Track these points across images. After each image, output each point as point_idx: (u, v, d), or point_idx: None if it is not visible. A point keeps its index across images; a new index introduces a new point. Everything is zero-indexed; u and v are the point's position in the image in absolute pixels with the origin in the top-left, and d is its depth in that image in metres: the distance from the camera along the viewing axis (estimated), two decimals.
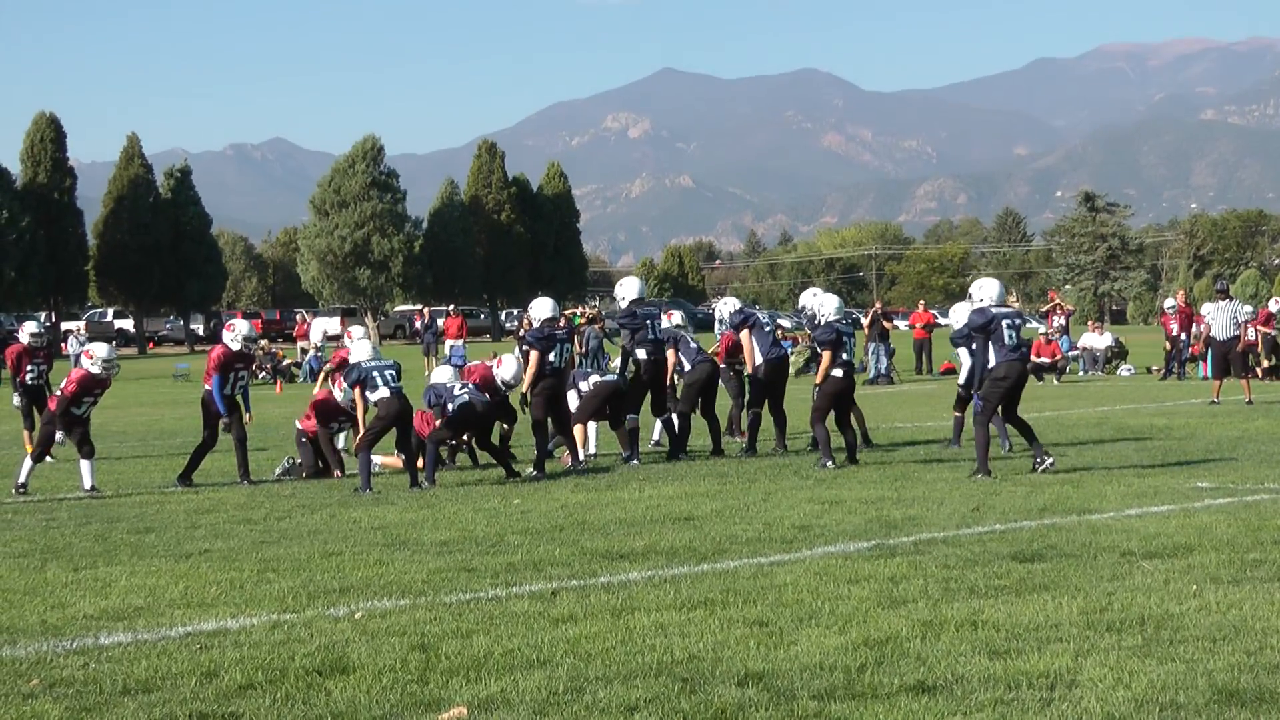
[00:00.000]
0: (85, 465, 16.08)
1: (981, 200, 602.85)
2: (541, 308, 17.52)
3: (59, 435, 16.33)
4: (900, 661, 6.86)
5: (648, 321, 18.00)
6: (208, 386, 16.66)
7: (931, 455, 17.67)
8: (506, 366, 16.80)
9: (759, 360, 18.28)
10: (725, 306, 19.67)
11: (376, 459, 16.33)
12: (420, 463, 16.14)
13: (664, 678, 6.64)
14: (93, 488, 15.91)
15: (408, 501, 14.31)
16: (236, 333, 16.85)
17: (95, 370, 16.44)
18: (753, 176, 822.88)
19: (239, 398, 16.81)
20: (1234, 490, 13.29)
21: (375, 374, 15.80)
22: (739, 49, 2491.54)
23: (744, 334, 18.49)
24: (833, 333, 16.87)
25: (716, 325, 44.35)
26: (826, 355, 16.75)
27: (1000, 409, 15.19)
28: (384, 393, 15.59)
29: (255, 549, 11.20)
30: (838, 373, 16.88)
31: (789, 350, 21.24)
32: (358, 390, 15.71)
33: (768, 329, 18.68)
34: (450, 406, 16.02)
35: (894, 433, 21.15)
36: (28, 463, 16.40)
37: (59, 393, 16.65)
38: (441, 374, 16.81)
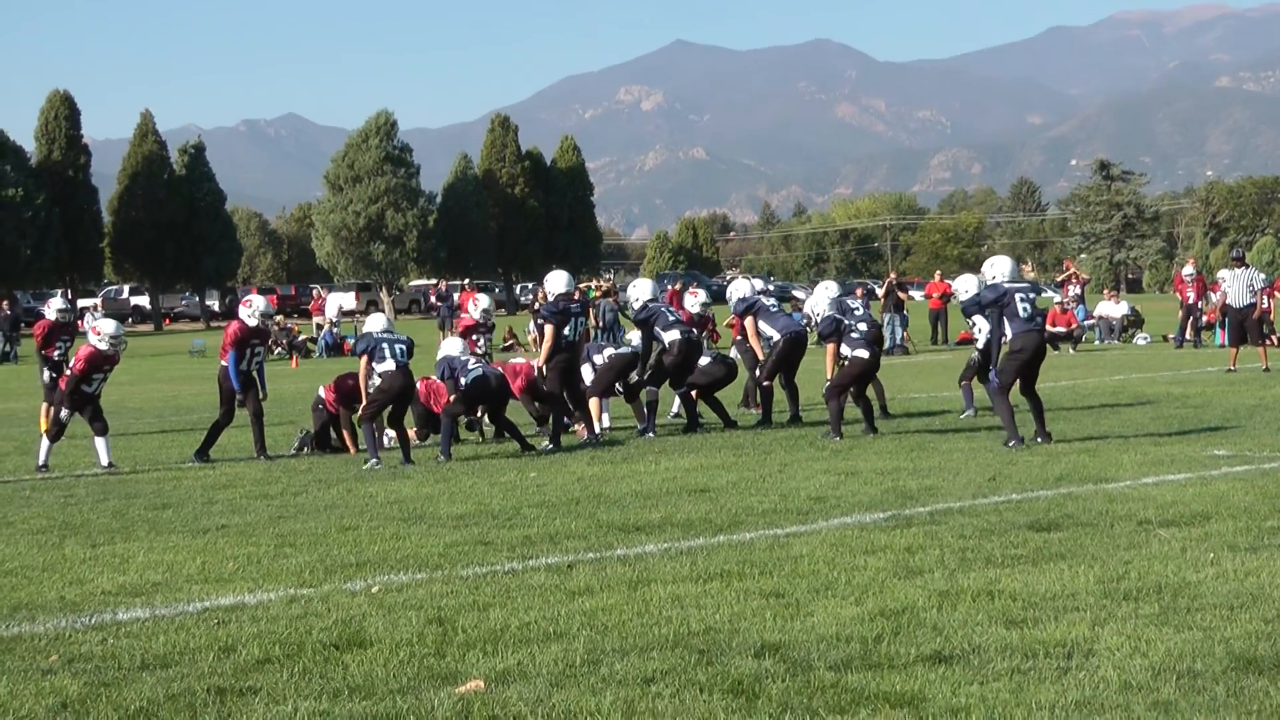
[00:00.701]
0: (100, 442, 16.11)
1: (996, 170, 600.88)
2: (556, 281, 17.55)
3: (64, 413, 16.36)
4: (917, 632, 6.84)
5: (662, 310, 18.09)
6: (224, 363, 16.67)
7: (948, 425, 17.65)
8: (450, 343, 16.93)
9: (775, 337, 18.27)
10: (735, 291, 19.62)
11: (391, 432, 16.35)
12: (413, 438, 16.22)
13: (680, 649, 6.64)
14: (109, 464, 15.96)
15: (424, 476, 14.33)
16: (254, 308, 16.85)
17: (103, 346, 16.44)
18: (766, 148, 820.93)
19: (254, 374, 16.82)
20: (1251, 458, 13.25)
21: (385, 346, 15.70)
22: (751, 20, 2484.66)
23: (748, 321, 18.54)
24: (831, 323, 17.01)
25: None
26: (830, 348, 16.83)
27: (1020, 381, 15.14)
28: (390, 366, 15.58)
29: (272, 524, 11.22)
30: (864, 354, 16.90)
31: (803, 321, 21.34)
32: (364, 359, 15.69)
33: (775, 309, 18.77)
34: (463, 380, 16.04)
35: (910, 403, 21.12)
36: (45, 443, 16.44)
37: (68, 371, 16.67)
38: (452, 346, 16.80)
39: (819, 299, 17.93)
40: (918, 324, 45.55)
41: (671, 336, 17.81)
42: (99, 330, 16.60)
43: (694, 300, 21.57)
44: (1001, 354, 15.24)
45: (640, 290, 18.42)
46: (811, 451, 15.16)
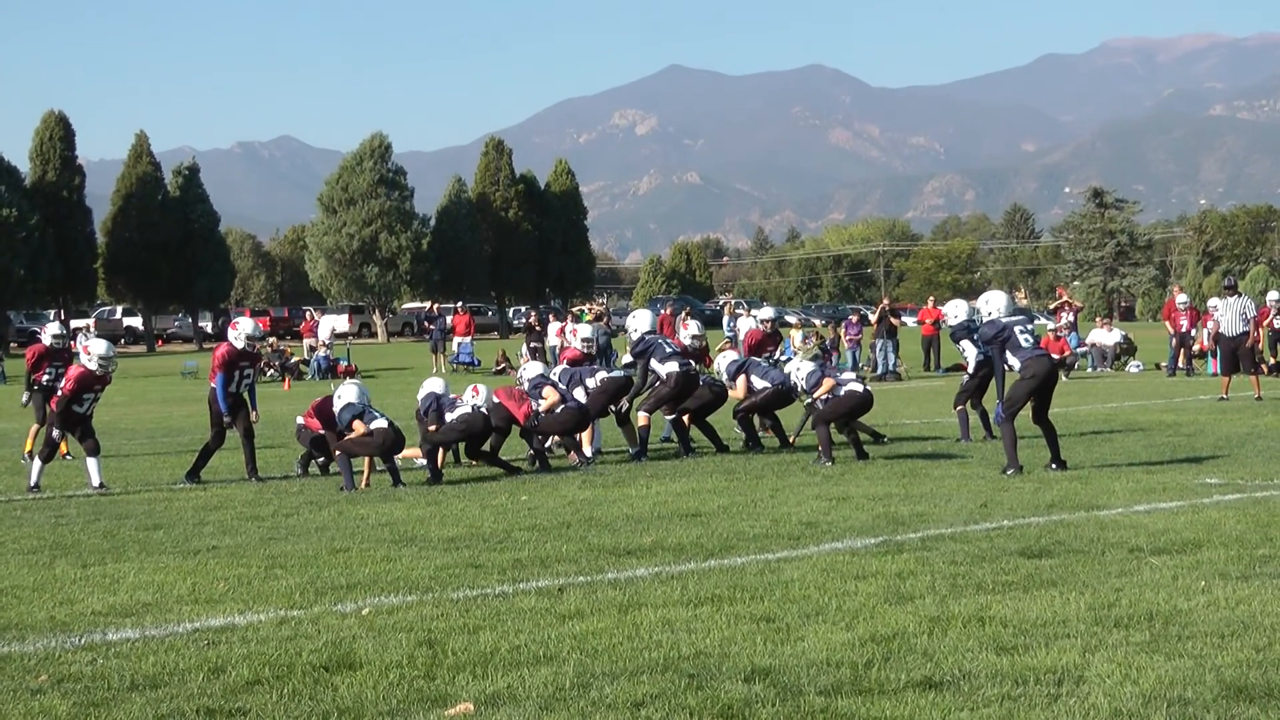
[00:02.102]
0: (91, 463, 16.09)
1: (989, 196, 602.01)
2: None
3: (55, 433, 16.35)
4: (907, 657, 6.84)
5: (660, 341, 18.16)
6: (213, 385, 16.67)
7: (940, 451, 17.66)
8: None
9: (767, 387, 18.31)
10: (722, 359, 19.61)
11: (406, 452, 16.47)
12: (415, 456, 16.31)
13: (671, 674, 6.64)
14: (100, 485, 15.93)
15: (415, 499, 14.32)
16: (241, 331, 16.85)
17: (93, 367, 16.43)
18: (760, 173, 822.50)
19: (245, 395, 16.82)
20: (1243, 486, 13.26)
21: (370, 410, 15.95)
22: (746, 45, 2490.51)
23: (740, 380, 18.51)
24: (819, 373, 17.43)
25: (725, 322, 44.23)
26: (828, 383, 17.06)
27: (1032, 409, 15.14)
28: (382, 424, 15.71)
29: (263, 545, 11.21)
30: (858, 388, 17.09)
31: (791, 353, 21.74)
32: (357, 422, 15.69)
33: (766, 367, 18.81)
34: (450, 416, 16.19)
35: (902, 429, 21.12)
36: (37, 463, 16.42)
37: (59, 392, 16.66)
38: (434, 384, 16.93)
39: (804, 370, 17.87)
40: (910, 350, 45.60)
41: (669, 369, 17.84)
42: (89, 350, 16.58)
43: (686, 333, 21.46)
44: (1010, 381, 15.23)
45: (638, 322, 18.46)
46: (803, 476, 15.16)
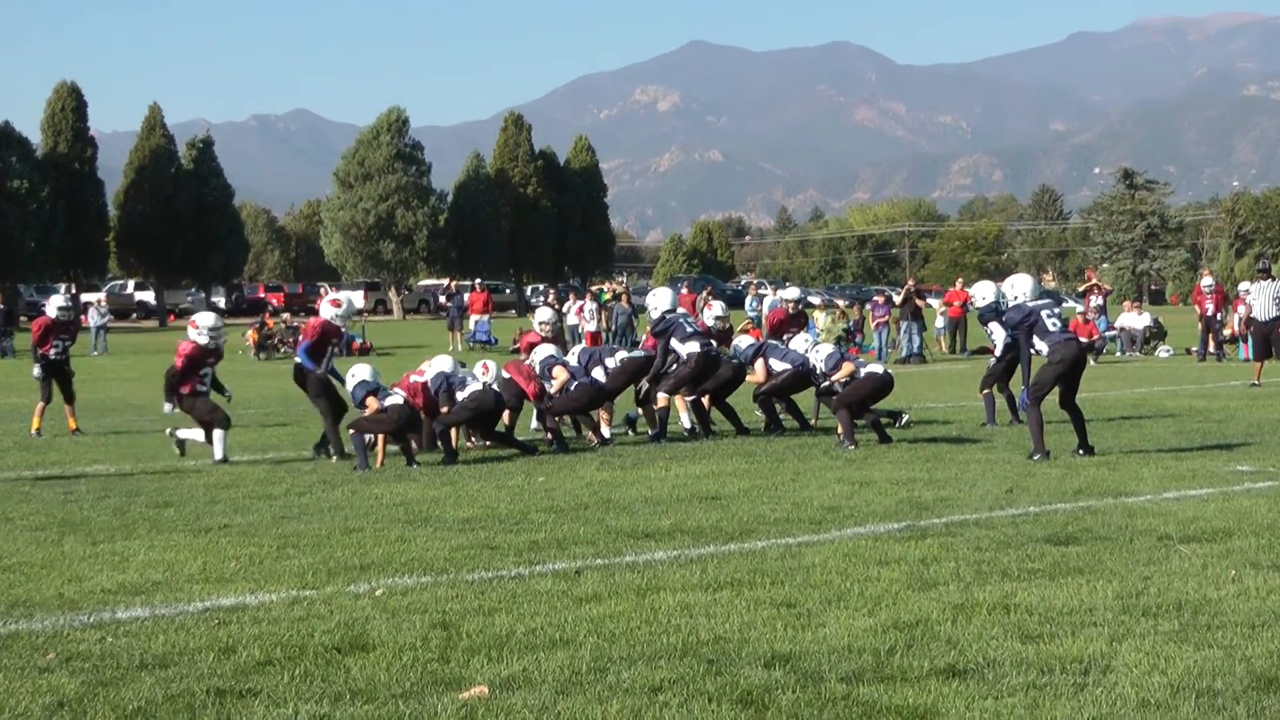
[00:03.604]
0: (218, 435, 16.20)
1: (1017, 177, 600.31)
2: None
3: (166, 407, 16.44)
4: (931, 645, 6.82)
5: (681, 320, 18.09)
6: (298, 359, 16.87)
7: (964, 435, 17.63)
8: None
9: (783, 371, 18.25)
10: (742, 340, 19.50)
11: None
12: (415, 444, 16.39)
13: (689, 659, 6.63)
14: (223, 458, 16.08)
15: (430, 479, 14.34)
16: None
17: (203, 341, 16.56)
18: (784, 151, 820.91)
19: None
20: (1274, 474, 13.21)
21: (384, 388, 16.05)
22: (770, 21, 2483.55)
23: (758, 364, 18.44)
24: (838, 355, 17.59)
25: (748, 303, 44.28)
26: (847, 367, 17.12)
27: (1060, 394, 15.09)
28: (397, 400, 15.74)
29: (275, 524, 11.23)
30: (878, 370, 17.17)
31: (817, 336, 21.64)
32: (371, 399, 15.72)
33: (782, 348, 18.69)
34: (461, 395, 16.18)
35: (927, 413, 21.07)
36: (200, 434, 16.42)
37: (171, 368, 16.60)
38: (443, 363, 16.93)
39: (822, 351, 17.84)
40: (936, 332, 45.51)
41: (690, 349, 17.76)
42: (197, 324, 16.70)
43: (710, 314, 21.23)
44: (1037, 366, 15.17)
45: (659, 300, 18.41)
46: (825, 460, 15.14)
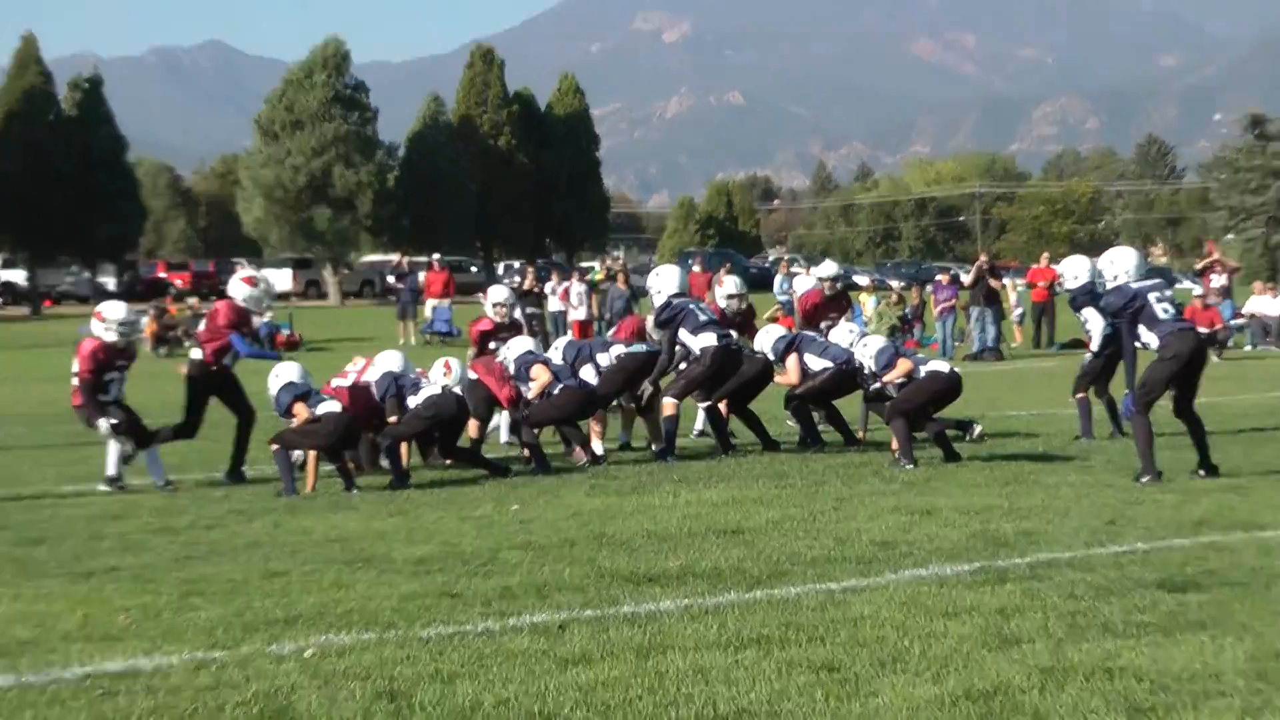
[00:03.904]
0: (112, 449, 16.30)
1: (1116, 125, 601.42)
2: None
3: (102, 424, 16.39)
4: (1013, 719, 6.77)
5: (690, 307, 18.02)
6: (198, 354, 16.98)
7: (1054, 450, 17.62)
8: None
9: (823, 371, 18.22)
10: (766, 335, 19.38)
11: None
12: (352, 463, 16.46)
13: None
14: (116, 477, 16.18)
15: (374, 507, 14.33)
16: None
17: (110, 338, 16.52)
18: (822, 93, 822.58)
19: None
20: None
21: (316, 393, 16.12)
22: None
23: (791, 361, 18.42)
24: (892, 350, 17.43)
25: (777, 283, 44.43)
26: (903, 365, 17.05)
27: (1174, 399, 15.04)
28: (333, 408, 15.74)
29: (177, 566, 11.19)
30: (943, 369, 17.10)
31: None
32: (299, 406, 15.73)
33: (821, 340, 18.67)
34: (414, 401, 16.17)
35: (1005, 423, 21.06)
36: (122, 452, 16.47)
37: (75, 380, 16.59)
38: (391, 360, 16.88)
39: (871, 346, 17.79)
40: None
41: (703, 342, 17.69)
42: (104, 317, 16.62)
43: (721, 293, 21.03)
44: (1144, 363, 15.11)
45: (664, 282, 18.33)
46: (876, 483, 15.12)
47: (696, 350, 17.77)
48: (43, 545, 12.39)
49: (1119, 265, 15.33)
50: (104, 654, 8.43)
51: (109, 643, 8.71)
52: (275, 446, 15.74)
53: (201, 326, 17.71)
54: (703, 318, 17.96)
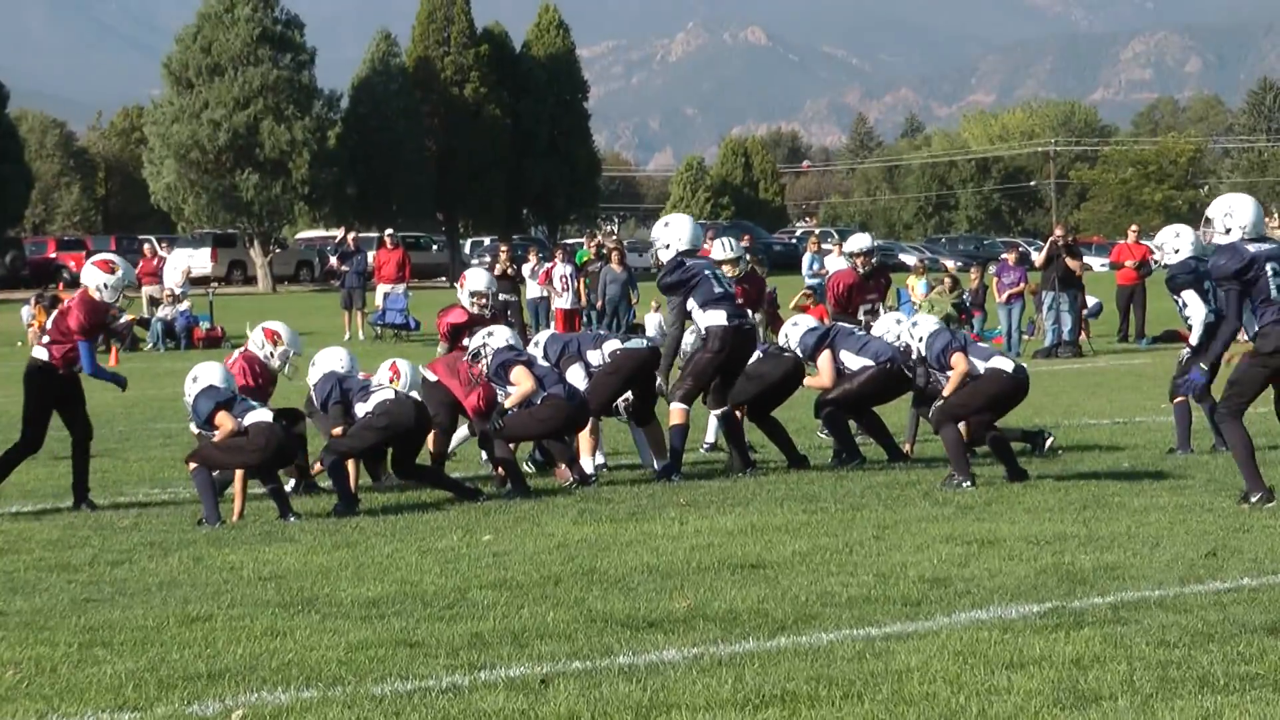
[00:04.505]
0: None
1: (1224, 68, 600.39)
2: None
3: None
4: None
5: (706, 272, 17.91)
6: (44, 355, 16.92)
7: (1141, 468, 17.62)
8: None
9: (852, 379, 18.18)
10: (793, 329, 19.27)
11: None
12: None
13: None
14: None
15: (315, 537, 14.34)
16: (110, 279, 17.07)
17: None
18: (861, 30, 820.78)
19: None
20: None
21: (243, 399, 16.12)
22: None
23: (823, 359, 18.37)
24: (947, 339, 17.08)
25: (806, 263, 44.64)
26: (959, 365, 16.78)
27: (1275, 401, 15.02)
28: (262, 418, 15.73)
29: (76, 611, 11.22)
30: (1006, 365, 16.84)
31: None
32: (222, 415, 15.77)
33: (859, 334, 18.60)
34: (362, 408, 16.12)
35: (1083, 433, 21.08)
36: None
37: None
38: (333, 357, 16.89)
39: (924, 325, 17.66)
40: (1108, 310, 45.48)
41: (711, 320, 17.57)
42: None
43: (724, 250, 20.81)
44: (1234, 356, 15.10)
45: (674, 233, 18.14)
46: (926, 507, 15.15)
47: (703, 328, 17.66)
48: None
49: (1236, 216, 14.65)
50: None
51: None
52: (193, 465, 15.77)
53: (49, 323, 17.72)
54: (718, 289, 17.71)
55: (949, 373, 16.84)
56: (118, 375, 18.00)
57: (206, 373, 16.21)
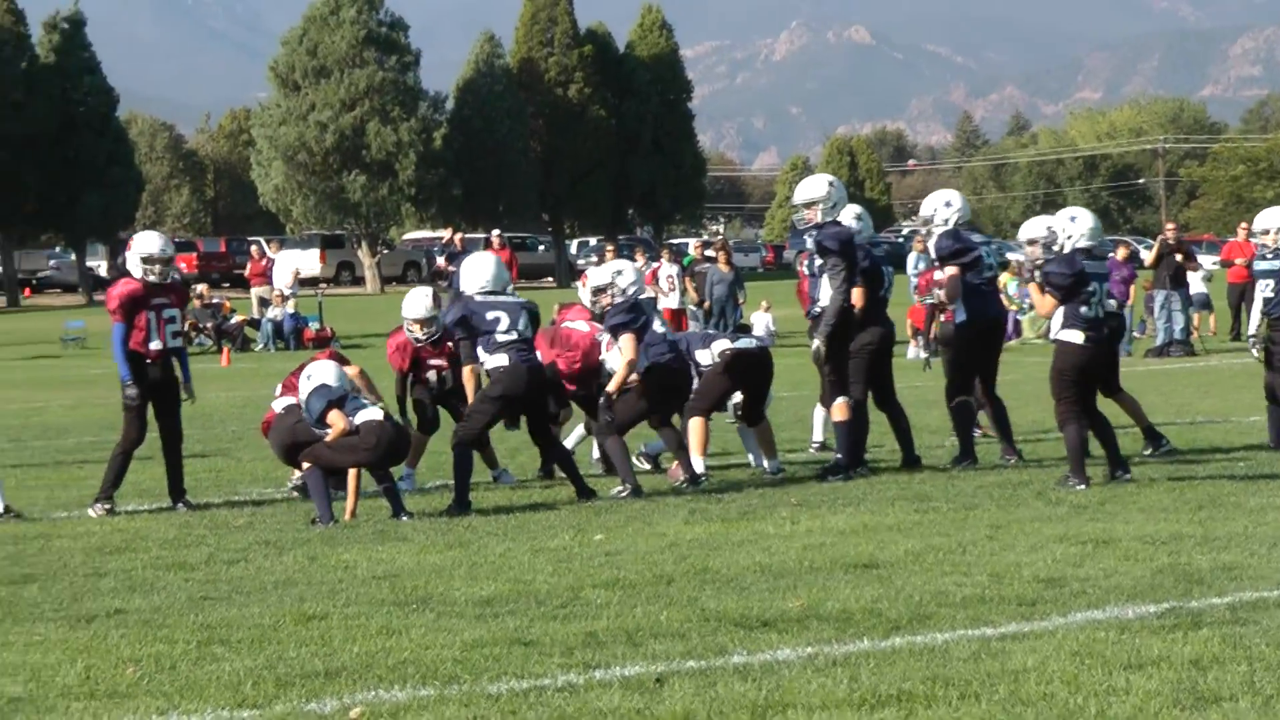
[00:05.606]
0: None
1: None
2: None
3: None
4: None
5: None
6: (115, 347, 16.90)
7: (1259, 470, 17.50)
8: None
9: (960, 315, 17.85)
10: (937, 215, 18.64)
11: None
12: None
13: None
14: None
15: (430, 536, 14.40)
16: (137, 250, 16.97)
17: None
18: (963, 28, 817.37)
19: (175, 363, 16.96)
20: None
21: (354, 397, 16.21)
22: None
23: (950, 270, 18.01)
24: (1070, 271, 16.42)
25: (910, 262, 44.62)
26: (1048, 302, 16.42)
27: None
28: (374, 416, 15.75)
29: (193, 609, 11.30)
30: (1077, 337, 16.35)
31: (1014, 308, 20.95)
32: (334, 414, 15.73)
33: (986, 273, 18.24)
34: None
35: (1197, 432, 20.94)
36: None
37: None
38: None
39: (1081, 227, 16.84)
40: (1216, 306, 45.18)
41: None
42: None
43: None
44: None
45: (811, 189, 18.12)
46: (1039, 507, 15.09)
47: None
48: (33, 584, 12.52)
49: None
50: (110, 713, 8.53)
51: (115, 700, 8.81)
52: (307, 465, 15.85)
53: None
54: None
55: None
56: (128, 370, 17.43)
57: (320, 371, 16.26)
